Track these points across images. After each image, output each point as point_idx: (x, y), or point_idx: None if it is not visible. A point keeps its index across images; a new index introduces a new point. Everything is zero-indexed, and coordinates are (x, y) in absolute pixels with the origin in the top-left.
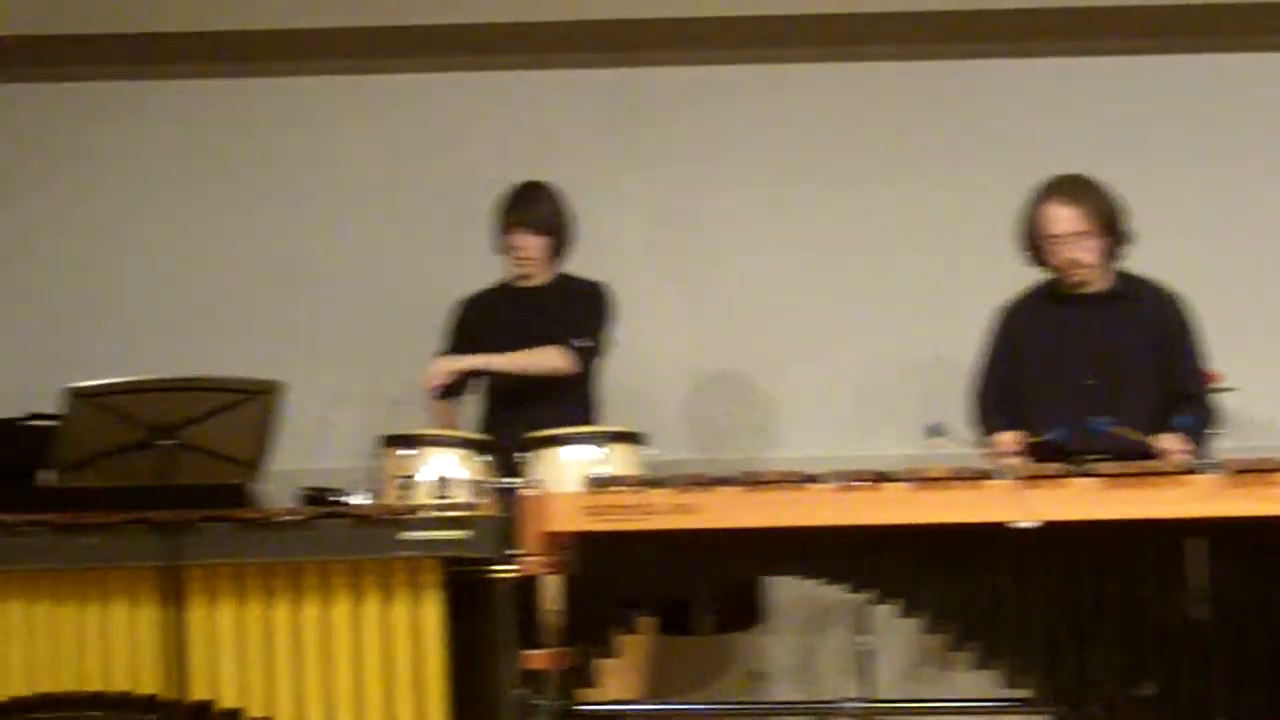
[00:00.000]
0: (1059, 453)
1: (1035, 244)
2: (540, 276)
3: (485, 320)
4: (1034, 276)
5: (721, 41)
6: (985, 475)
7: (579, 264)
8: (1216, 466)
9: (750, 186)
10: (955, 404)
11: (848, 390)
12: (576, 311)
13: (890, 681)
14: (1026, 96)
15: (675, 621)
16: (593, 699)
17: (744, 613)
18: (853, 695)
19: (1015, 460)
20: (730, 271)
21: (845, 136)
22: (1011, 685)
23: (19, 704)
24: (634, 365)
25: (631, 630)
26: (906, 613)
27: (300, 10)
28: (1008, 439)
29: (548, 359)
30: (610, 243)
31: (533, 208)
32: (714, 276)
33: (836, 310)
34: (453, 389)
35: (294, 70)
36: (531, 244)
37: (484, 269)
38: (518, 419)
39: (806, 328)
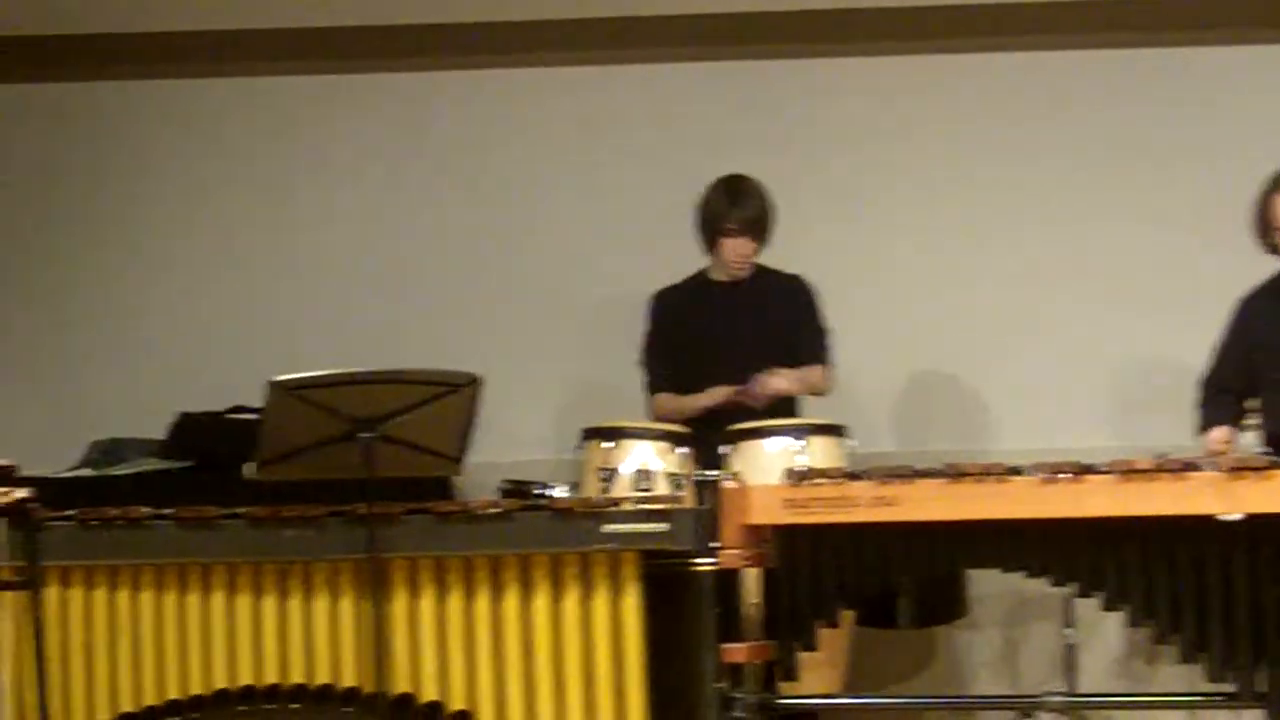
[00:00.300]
0: None
1: (1267, 234)
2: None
3: (689, 314)
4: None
5: (933, 31)
6: (1191, 467)
7: (778, 254)
8: None
9: (952, 175)
10: (1159, 396)
11: (1051, 382)
12: (802, 314)
13: (1094, 676)
14: (1255, 84)
15: (876, 614)
16: (793, 692)
17: (946, 606)
18: (1057, 689)
19: (1222, 454)
20: (935, 262)
21: (1053, 127)
22: (1217, 679)
23: (223, 697)
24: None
25: (832, 623)
26: (1110, 606)
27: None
28: (1218, 435)
29: (818, 380)
30: (807, 230)
31: (749, 210)
32: (918, 266)
33: (1042, 302)
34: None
35: (489, 63)
36: (749, 249)
37: (682, 261)
38: (719, 411)
39: (1010, 319)
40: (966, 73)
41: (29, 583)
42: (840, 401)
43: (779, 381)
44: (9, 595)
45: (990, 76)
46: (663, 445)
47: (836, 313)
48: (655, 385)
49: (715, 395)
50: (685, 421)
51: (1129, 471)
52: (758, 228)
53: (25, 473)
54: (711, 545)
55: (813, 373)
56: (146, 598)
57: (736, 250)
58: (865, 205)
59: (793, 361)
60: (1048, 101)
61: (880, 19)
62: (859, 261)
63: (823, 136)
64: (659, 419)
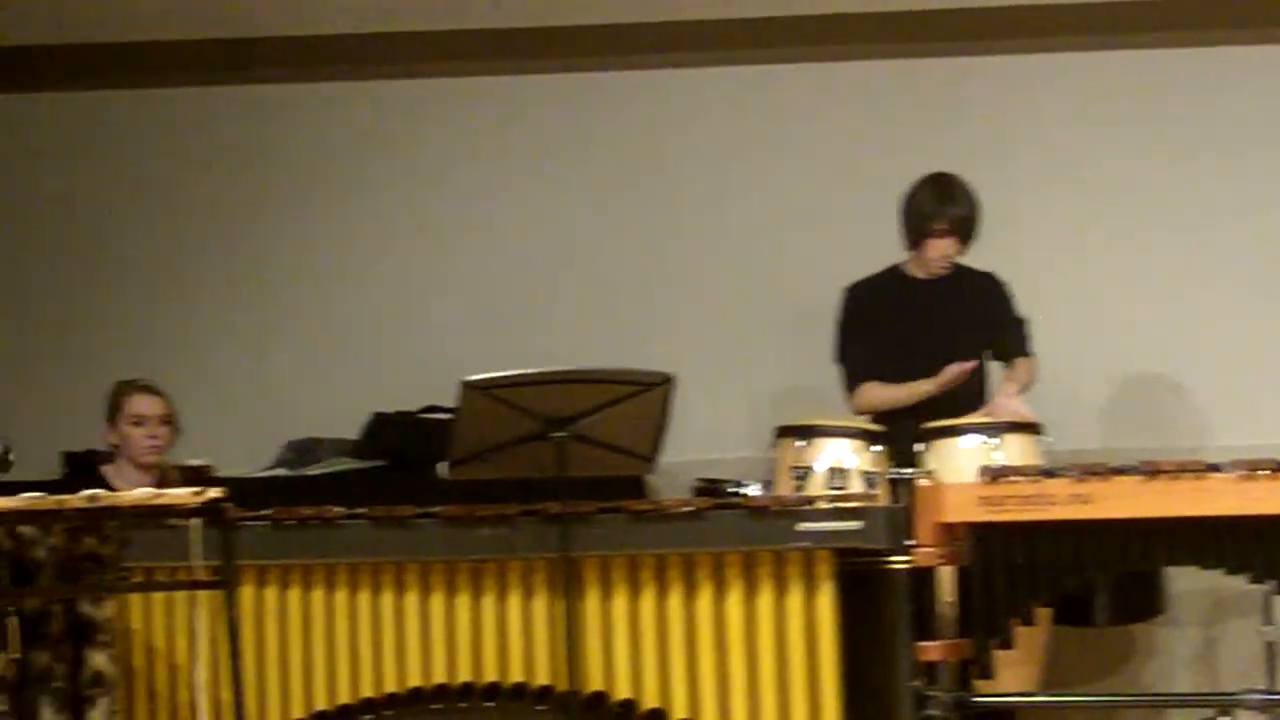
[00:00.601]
0: None
1: None
2: None
3: (884, 309)
4: None
5: (1127, 25)
6: None
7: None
8: None
9: (1155, 170)
10: None
11: (1248, 378)
12: (999, 309)
13: None
14: None
15: (1072, 612)
16: (989, 691)
17: (1143, 603)
18: (1256, 688)
19: None
20: (1128, 257)
21: (1258, 121)
22: None
23: (416, 695)
24: None
25: (1028, 621)
26: None
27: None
28: None
29: (1028, 374)
30: (1002, 227)
31: (959, 209)
32: (1113, 263)
33: (1236, 298)
34: None
35: (675, 62)
36: (955, 249)
37: (871, 257)
38: (912, 408)
39: (1205, 314)
40: (1168, 65)
41: (224, 582)
42: (1033, 398)
43: (1014, 404)
44: (204, 594)
45: (1194, 68)
46: (857, 443)
47: (1034, 311)
48: (856, 376)
49: (919, 389)
50: (879, 419)
51: None
52: (966, 228)
53: (221, 473)
54: (906, 543)
55: (1021, 368)
56: (340, 597)
57: (942, 250)
58: (1060, 202)
59: (998, 356)
60: (1249, 94)
61: (1071, 14)
62: (1055, 260)
63: (1014, 133)
64: (860, 411)
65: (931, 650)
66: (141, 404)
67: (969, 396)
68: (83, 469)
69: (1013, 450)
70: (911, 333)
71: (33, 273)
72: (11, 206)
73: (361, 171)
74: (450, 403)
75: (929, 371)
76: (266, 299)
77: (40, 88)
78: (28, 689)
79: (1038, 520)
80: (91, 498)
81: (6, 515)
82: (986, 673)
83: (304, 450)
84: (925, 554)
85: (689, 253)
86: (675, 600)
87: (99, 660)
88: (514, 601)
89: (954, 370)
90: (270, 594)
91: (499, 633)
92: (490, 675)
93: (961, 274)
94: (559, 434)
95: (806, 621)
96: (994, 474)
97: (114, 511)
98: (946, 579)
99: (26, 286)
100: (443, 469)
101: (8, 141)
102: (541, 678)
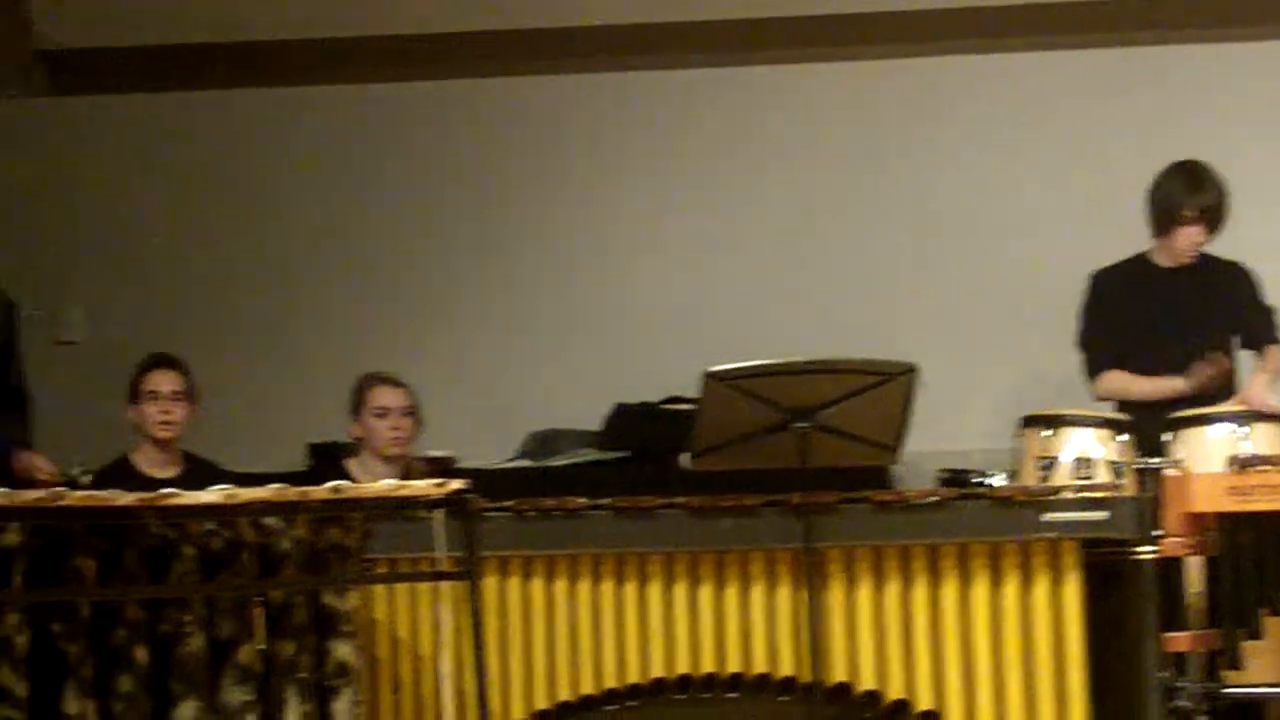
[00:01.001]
0: None
1: None
2: None
3: (1130, 297)
4: None
5: None
6: None
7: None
8: None
9: None
10: None
11: None
12: (1245, 298)
13: None
14: None
15: None
16: (1238, 682)
17: None
18: None
19: None
20: None
21: None
22: None
23: (659, 686)
24: None
25: (1277, 611)
26: None
27: None
28: None
29: (1278, 362)
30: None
31: (1208, 198)
32: None
33: None
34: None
35: (944, 49)
36: (1203, 237)
37: (1116, 245)
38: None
39: None
40: None
41: (467, 573)
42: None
43: (1266, 394)
44: (448, 585)
45: None
46: (1103, 433)
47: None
48: (1099, 364)
49: (1171, 386)
50: (1125, 408)
51: None
52: (1215, 216)
53: (464, 464)
54: (1153, 533)
55: (1272, 357)
56: (583, 587)
57: (1191, 238)
58: None
59: (1247, 344)
60: None
61: None
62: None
63: (1262, 119)
64: (1100, 397)
65: (1179, 641)
66: (385, 396)
67: (1218, 386)
68: (328, 461)
69: (1261, 439)
70: (1156, 321)
71: (286, 266)
72: (269, 200)
73: (605, 162)
74: (692, 393)
75: (1173, 360)
76: (509, 291)
77: (284, 81)
78: (273, 679)
79: None
80: (335, 489)
81: (252, 507)
82: (1235, 663)
83: (547, 441)
84: (1173, 544)
85: (935, 241)
86: (919, 591)
87: (343, 651)
88: (757, 592)
89: (1209, 370)
90: (513, 584)
91: (742, 623)
92: (733, 666)
93: (1208, 262)
94: (802, 425)
95: (1052, 612)
96: (1243, 463)
97: (358, 503)
98: (1194, 569)
99: (279, 280)
100: (685, 460)
101: (269, 134)
102: (785, 669)
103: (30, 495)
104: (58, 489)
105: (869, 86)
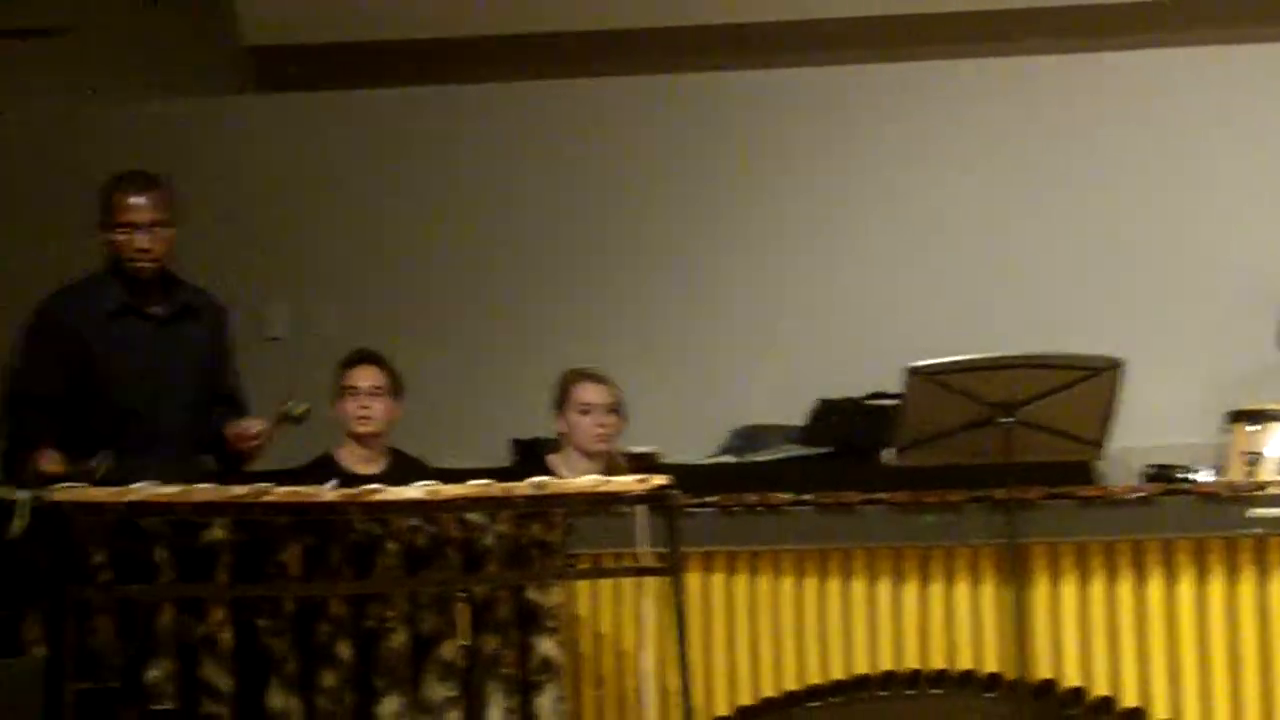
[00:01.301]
0: None
1: None
2: None
3: None
4: None
5: None
6: None
7: None
8: None
9: None
10: None
11: None
12: None
13: None
14: None
15: None
16: None
17: None
18: None
19: None
20: None
21: None
22: None
23: (863, 682)
24: None
25: None
26: None
27: None
28: None
29: None
30: None
31: None
32: None
33: None
34: None
35: (1108, 45)
36: None
37: None
38: None
39: None
40: None
41: (670, 568)
42: None
43: None
44: (651, 580)
45: None
46: None
47: None
48: None
49: None
50: None
51: None
52: None
53: (667, 460)
54: None
55: None
56: (787, 583)
57: None
58: None
59: None
60: None
61: None
62: None
63: None
64: None
65: None
66: (589, 392)
67: None
68: (531, 456)
69: None
70: None
71: (491, 263)
72: (475, 197)
73: (809, 161)
74: (896, 389)
75: None
76: (714, 289)
77: (481, 78)
78: (477, 674)
79: None
80: (538, 485)
81: (456, 502)
82: None
83: (751, 437)
84: None
85: (1142, 236)
86: (1124, 587)
87: (546, 646)
88: (961, 588)
89: None
90: (716, 580)
91: (946, 619)
92: (937, 662)
93: None
94: (1006, 420)
95: (1259, 609)
96: None
97: (560, 499)
98: None
99: (484, 277)
100: (888, 455)
101: (475, 131)
102: (989, 665)
103: (236, 491)
104: (261, 485)
105: (1065, 84)
